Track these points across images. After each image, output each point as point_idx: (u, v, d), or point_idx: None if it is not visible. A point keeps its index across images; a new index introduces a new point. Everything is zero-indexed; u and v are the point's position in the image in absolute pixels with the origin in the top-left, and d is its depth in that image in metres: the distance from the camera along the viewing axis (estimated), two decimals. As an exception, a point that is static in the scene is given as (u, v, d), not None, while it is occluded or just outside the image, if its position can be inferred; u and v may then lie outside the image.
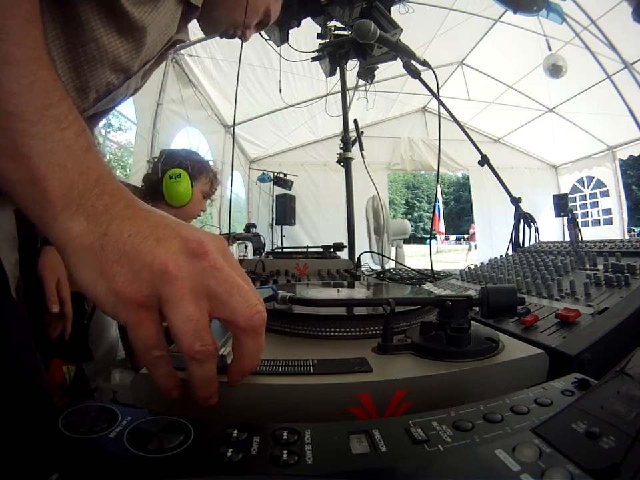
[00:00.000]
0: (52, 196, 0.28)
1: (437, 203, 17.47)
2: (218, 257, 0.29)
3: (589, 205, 6.81)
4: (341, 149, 1.82)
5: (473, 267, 0.98)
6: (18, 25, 0.30)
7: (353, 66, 1.96)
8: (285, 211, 5.21)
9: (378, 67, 1.93)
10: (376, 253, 1.93)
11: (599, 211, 6.63)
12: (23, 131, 0.28)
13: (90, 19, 0.50)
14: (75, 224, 0.28)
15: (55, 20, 0.49)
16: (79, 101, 0.57)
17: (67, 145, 0.30)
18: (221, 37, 0.82)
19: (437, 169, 1.27)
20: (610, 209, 6.27)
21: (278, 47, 1.75)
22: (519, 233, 1.20)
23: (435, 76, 1.21)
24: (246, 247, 3.04)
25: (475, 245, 10.02)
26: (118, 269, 0.27)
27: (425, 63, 1.21)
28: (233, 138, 0.97)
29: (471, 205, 7.22)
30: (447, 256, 15.44)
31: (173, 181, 1.16)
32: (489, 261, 0.99)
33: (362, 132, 1.83)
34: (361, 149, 1.79)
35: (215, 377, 0.31)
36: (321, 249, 1.63)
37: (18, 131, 0.28)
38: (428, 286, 0.99)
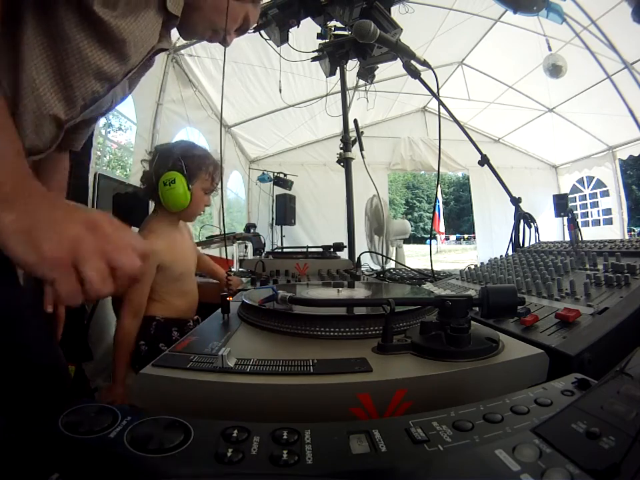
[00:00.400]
0: None
1: (437, 203, 17.46)
2: (108, 227, 0.43)
3: (589, 205, 6.80)
4: (341, 148, 1.82)
5: (472, 266, 0.98)
6: None
7: (353, 66, 1.96)
8: (285, 211, 5.21)
9: (378, 67, 1.93)
10: (376, 253, 1.93)
11: (598, 211, 6.63)
12: None
13: (73, 32, 0.55)
14: (7, 215, 0.39)
15: (41, 35, 0.54)
16: (67, 109, 0.64)
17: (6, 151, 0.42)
18: (200, 41, 0.84)
19: (437, 169, 1.27)
20: (610, 209, 6.27)
21: (278, 46, 1.75)
22: (518, 233, 1.20)
23: (435, 76, 1.21)
24: (246, 247, 3.04)
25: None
26: (44, 244, 0.39)
27: (424, 63, 1.21)
28: (220, 132, 0.93)
29: (471, 204, 7.21)
30: (447, 256, 15.43)
31: (168, 187, 1.07)
32: (488, 261, 0.99)
33: (362, 132, 1.83)
34: (361, 149, 1.79)
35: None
36: (320, 249, 1.63)
37: None
38: (428, 286, 0.99)
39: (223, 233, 2.17)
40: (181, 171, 1.08)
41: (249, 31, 1.64)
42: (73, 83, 0.61)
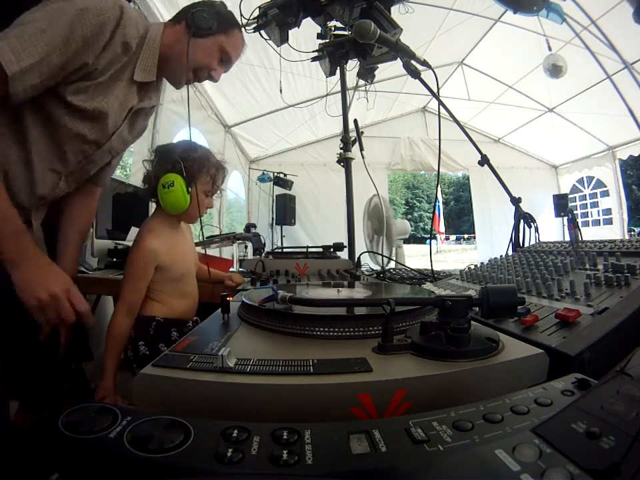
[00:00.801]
0: (5, 254, 0.72)
1: (437, 203, 17.45)
2: (62, 296, 0.78)
3: (589, 205, 6.80)
4: (341, 148, 1.82)
5: (472, 266, 0.98)
6: None
7: (353, 66, 1.96)
8: (284, 211, 5.21)
9: (378, 67, 1.93)
10: (376, 253, 1.93)
11: (598, 211, 6.62)
12: None
13: (60, 114, 0.81)
14: (17, 275, 0.74)
15: (37, 120, 0.80)
16: (63, 165, 0.89)
17: (20, 235, 0.75)
18: (193, 83, 1.02)
19: (437, 169, 1.27)
20: (610, 209, 6.26)
21: (278, 46, 1.75)
22: (518, 233, 1.20)
23: (435, 76, 1.21)
24: (246, 247, 3.04)
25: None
26: (38, 294, 0.75)
27: (424, 63, 1.21)
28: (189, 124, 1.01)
29: (471, 204, 7.21)
30: (447, 256, 15.43)
31: (167, 190, 1.05)
32: (488, 261, 0.99)
33: (362, 132, 1.83)
34: (361, 149, 1.79)
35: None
36: (320, 249, 1.63)
37: None
38: (428, 286, 0.99)
39: (222, 232, 2.16)
40: (180, 173, 1.05)
41: (249, 30, 1.65)
42: (65, 148, 0.86)
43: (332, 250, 1.65)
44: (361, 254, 1.60)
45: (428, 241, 18.96)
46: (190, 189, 1.07)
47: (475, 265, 1.00)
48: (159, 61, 0.91)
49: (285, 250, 2.19)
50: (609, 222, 6.34)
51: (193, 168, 1.08)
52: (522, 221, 1.19)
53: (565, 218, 5.47)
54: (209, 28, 0.93)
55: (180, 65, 0.93)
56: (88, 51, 0.77)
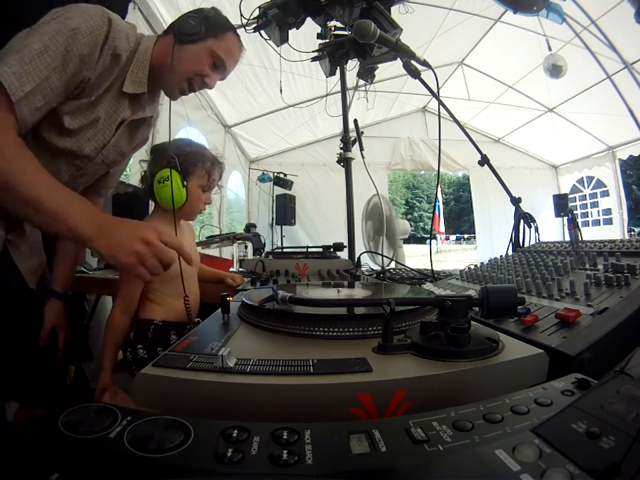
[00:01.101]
0: (83, 234, 0.69)
1: (437, 203, 17.45)
2: (154, 240, 0.70)
3: (589, 205, 6.80)
4: (341, 148, 1.82)
5: (472, 266, 0.98)
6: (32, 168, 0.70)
7: (353, 66, 1.96)
8: (285, 211, 5.21)
9: (378, 67, 1.93)
10: (376, 252, 1.92)
11: (598, 211, 6.62)
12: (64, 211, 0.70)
13: (49, 132, 0.84)
14: (98, 242, 0.69)
15: (30, 140, 0.78)
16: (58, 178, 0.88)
17: (84, 209, 0.72)
18: (188, 93, 1.00)
19: (437, 169, 1.27)
20: (610, 209, 6.26)
21: (278, 46, 1.75)
22: (518, 233, 1.19)
23: (435, 76, 1.21)
24: (246, 247, 3.03)
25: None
26: (119, 256, 0.69)
27: (424, 63, 1.21)
28: (169, 118, 1.00)
29: (471, 204, 7.21)
30: (447, 256, 15.43)
31: (162, 185, 1.07)
32: (488, 261, 0.99)
33: (362, 132, 1.83)
34: (361, 149, 1.79)
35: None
36: (320, 249, 1.63)
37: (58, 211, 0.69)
38: (428, 286, 0.99)
39: (222, 232, 2.16)
40: (175, 168, 1.06)
41: (249, 30, 1.65)
42: (56, 162, 0.89)
43: (332, 250, 1.65)
44: (360, 254, 1.60)
45: (428, 240, 18.96)
46: (185, 183, 1.08)
47: (475, 265, 1.00)
48: (151, 72, 0.91)
49: (284, 250, 2.19)
50: (609, 222, 6.34)
51: (188, 162, 1.10)
52: (522, 220, 1.19)
53: (565, 218, 5.47)
54: (196, 33, 0.91)
55: (171, 75, 0.93)
56: (85, 67, 0.79)
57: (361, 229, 2.16)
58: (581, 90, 5.03)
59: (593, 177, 6.50)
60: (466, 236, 25.23)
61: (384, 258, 1.74)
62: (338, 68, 1.85)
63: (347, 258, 1.62)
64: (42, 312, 1.05)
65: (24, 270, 0.93)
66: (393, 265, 1.78)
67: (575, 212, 6.26)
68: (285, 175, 5.19)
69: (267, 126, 5.49)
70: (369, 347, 0.44)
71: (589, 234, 5.92)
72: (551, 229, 6.28)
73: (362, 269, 1.55)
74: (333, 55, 1.79)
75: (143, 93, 0.93)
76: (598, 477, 0.20)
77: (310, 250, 1.64)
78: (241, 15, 1.61)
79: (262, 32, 1.68)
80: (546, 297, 0.63)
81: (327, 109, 3.45)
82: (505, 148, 6.80)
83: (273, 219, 5.38)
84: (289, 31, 1.69)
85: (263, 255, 1.85)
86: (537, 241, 1.15)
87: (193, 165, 1.11)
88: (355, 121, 1.84)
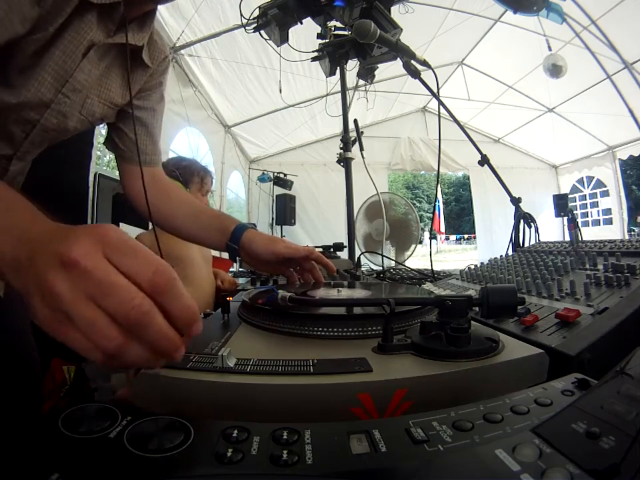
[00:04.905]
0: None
1: (437, 203, 17.44)
2: (87, 261, 0.29)
3: (588, 205, 6.80)
4: (341, 148, 1.82)
5: (473, 266, 0.98)
6: None
7: (353, 66, 1.96)
8: (284, 211, 5.21)
9: (378, 67, 1.94)
10: (376, 253, 1.92)
11: (598, 211, 6.63)
12: None
13: None
14: (10, 277, 0.33)
15: None
16: (8, 148, 0.66)
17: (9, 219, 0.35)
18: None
19: (437, 169, 1.27)
20: (610, 209, 6.27)
21: (278, 46, 1.75)
22: (518, 233, 1.19)
23: (435, 76, 1.21)
24: (246, 246, 3.03)
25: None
26: (31, 294, 0.31)
27: (424, 63, 1.21)
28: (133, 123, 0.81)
29: (471, 204, 7.22)
30: (447, 256, 15.42)
31: None
32: (488, 261, 0.99)
33: (362, 132, 1.83)
34: (361, 149, 1.79)
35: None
36: (320, 249, 1.63)
37: None
38: (428, 286, 0.99)
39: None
40: (177, 179, 1.27)
41: (249, 30, 1.64)
42: (9, 126, 0.63)
43: (332, 250, 1.65)
44: (361, 254, 1.61)
45: (426, 240, 18.92)
46: (188, 190, 1.34)
47: (475, 265, 1.00)
48: None
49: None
50: (609, 222, 6.35)
51: (186, 173, 1.36)
52: (522, 220, 1.19)
53: (565, 218, 5.47)
54: None
55: None
56: None
57: (360, 227, 2.16)
58: (580, 90, 5.04)
59: (593, 177, 6.50)
60: (466, 236, 25.21)
61: (384, 258, 1.74)
62: (338, 68, 1.85)
63: (347, 258, 1.62)
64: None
65: None
66: (393, 265, 1.78)
67: (574, 212, 6.25)
68: (285, 175, 5.19)
69: (266, 126, 5.50)
70: (369, 347, 0.44)
71: (589, 234, 5.92)
72: (551, 229, 6.29)
73: (362, 269, 1.55)
74: (332, 54, 1.79)
75: (117, 3, 0.61)
76: (598, 477, 0.20)
77: (310, 250, 1.64)
78: (241, 15, 1.61)
79: (262, 32, 1.68)
80: (546, 296, 0.63)
81: (326, 109, 3.45)
82: (505, 148, 6.80)
83: (272, 218, 5.38)
84: (289, 31, 1.69)
85: (263, 254, 1.85)
86: (537, 241, 1.15)
87: (190, 175, 1.38)
88: (355, 121, 1.84)
